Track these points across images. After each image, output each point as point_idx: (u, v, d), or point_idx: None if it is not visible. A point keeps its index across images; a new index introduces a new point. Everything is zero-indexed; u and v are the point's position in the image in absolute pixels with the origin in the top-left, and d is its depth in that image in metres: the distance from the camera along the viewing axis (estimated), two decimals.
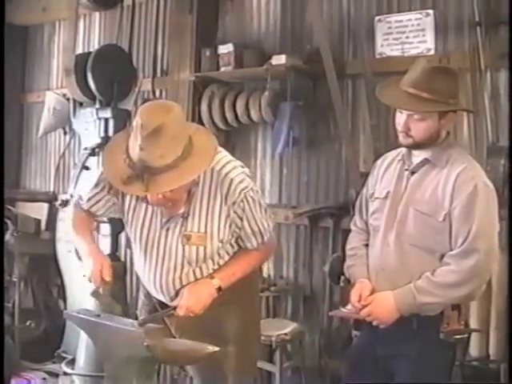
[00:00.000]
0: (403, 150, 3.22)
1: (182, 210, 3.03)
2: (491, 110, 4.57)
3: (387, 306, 3.02)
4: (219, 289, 3.09)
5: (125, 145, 2.87)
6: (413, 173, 3.13)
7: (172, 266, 3.10)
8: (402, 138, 3.10)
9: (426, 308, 3.01)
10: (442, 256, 3.02)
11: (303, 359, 4.99)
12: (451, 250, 3.00)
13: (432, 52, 4.90)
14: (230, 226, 3.07)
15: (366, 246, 3.29)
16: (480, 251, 2.94)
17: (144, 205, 3.12)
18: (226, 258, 3.16)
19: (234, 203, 3.01)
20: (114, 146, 3.03)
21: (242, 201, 3.02)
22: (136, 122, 2.78)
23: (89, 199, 3.27)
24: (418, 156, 3.13)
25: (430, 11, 4.90)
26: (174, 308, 3.04)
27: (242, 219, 3.07)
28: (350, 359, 3.41)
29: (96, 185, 3.23)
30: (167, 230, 3.08)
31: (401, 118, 3.07)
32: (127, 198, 3.16)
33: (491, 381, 4.31)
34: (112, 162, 2.93)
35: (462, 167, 3.02)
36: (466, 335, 3.31)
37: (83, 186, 5.39)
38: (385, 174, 3.25)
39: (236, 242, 3.19)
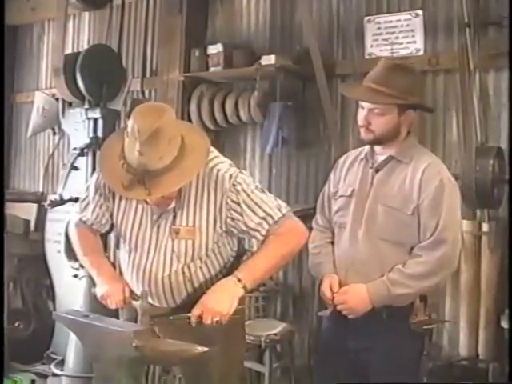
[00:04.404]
0: (365, 149, 3.31)
1: (172, 205, 3.03)
2: (480, 111, 4.59)
3: (361, 297, 3.09)
4: (244, 285, 2.95)
5: (119, 148, 2.87)
6: (377, 170, 3.21)
7: (161, 262, 3.08)
8: (363, 133, 3.20)
9: (399, 299, 3.08)
10: (411, 248, 3.11)
11: (293, 359, 4.99)
12: (419, 242, 3.09)
13: (421, 52, 4.92)
14: (226, 221, 3.01)
15: (330, 243, 3.35)
16: (448, 242, 3.05)
17: (134, 204, 3.11)
18: (213, 258, 3.12)
19: (225, 192, 2.96)
20: (108, 150, 3.03)
21: (234, 184, 2.97)
22: (131, 126, 2.77)
23: (92, 212, 3.24)
24: (382, 154, 3.22)
25: (420, 12, 4.93)
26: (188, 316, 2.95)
27: (239, 204, 2.97)
28: (320, 352, 3.44)
29: (94, 194, 3.21)
30: (158, 227, 3.07)
31: (362, 113, 3.17)
32: (116, 199, 3.15)
33: (480, 380, 4.33)
34: (109, 167, 2.93)
35: (426, 163, 3.13)
36: (432, 326, 3.35)
37: (72, 187, 5.44)
38: (348, 173, 3.33)
39: (228, 243, 3.15)
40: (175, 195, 3.00)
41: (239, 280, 2.94)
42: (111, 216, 3.22)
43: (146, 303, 2.95)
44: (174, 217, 3.04)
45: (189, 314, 2.92)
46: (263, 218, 2.99)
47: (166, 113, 2.82)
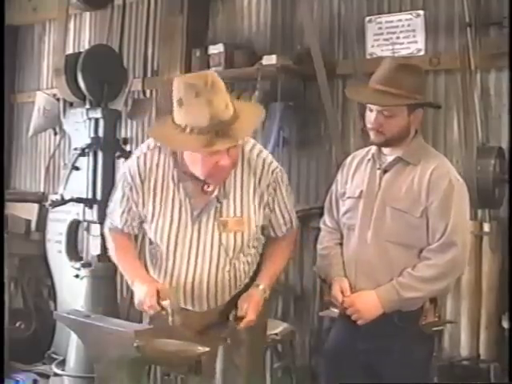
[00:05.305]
0: (372, 149, 3.28)
1: (214, 194, 2.97)
2: (481, 111, 4.59)
3: (371, 303, 3.07)
4: (267, 294, 3.11)
5: (170, 128, 2.80)
6: (385, 171, 3.18)
7: (207, 260, 3.01)
8: (373, 136, 3.16)
9: (409, 303, 3.07)
10: (420, 251, 3.09)
11: (294, 359, 4.98)
12: (428, 244, 3.07)
13: (422, 52, 4.92)
14: (264, 209, 3.06)
15: (339, 244, 3.33)
16: (457, 244, 3.03)
17: (170, 202, 3.00)
18: (252, 252, 3.13)
19: (268, 185, 3.01)
20: (160, 132, 2.96)
21: (274, 181, 3.03)
22: (184, 88, 2.73)
23: (120, 217, 3.15)
24: (390, 155, 3.19)
25: (421, 12, 4.92)
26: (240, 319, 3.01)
27: (274, 201, 3.07)
28: (330, 353, 3.42)
29: (121, 199, 3.11)
30: (199, 222, 2.99)
31: (371, 115, 3.14)
32: (150, 201, 3.03)
33: (481, 380, 4.33)
34: (177, 138, 2.80)
35: (435, 164, 3.11)
36: (441, 327, 3.40)
37: (73, 187, 5.44)
38: (355, 174, 3.30)
39: (262, 233, 3.16)
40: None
41: (262, 288, 3.09)
42: (142, 221, 3.12)
43: (175, 301, 2.91)
44: (219, 208, 2.98)
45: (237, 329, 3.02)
46: (285, 224, 3.17)
47: (212, 74, 2.84)
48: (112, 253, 3.27)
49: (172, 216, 3.01)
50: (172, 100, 2.83)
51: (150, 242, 3.18)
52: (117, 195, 3.14)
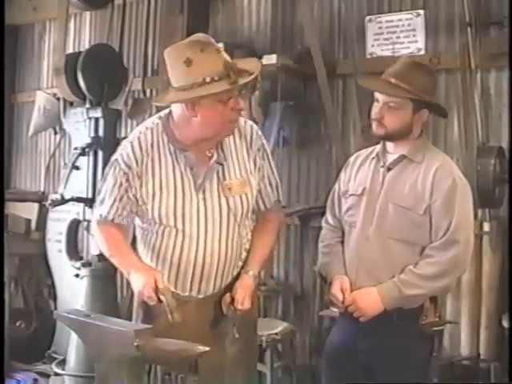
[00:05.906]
0: (377, 147, 3.29)
1: (215, 158, 2.98)
2: (481, 110, 4.59)
3: (372, 300, 3.07)
4: (258, 280, 3.15)
5: (183, 90, 2.85)
6: (389, 169, 3.20)
7: (217, 228, 3.00)
8: (375, 128, 3.18)
9: (410, 301, 3.07)
10: (422, 248, 3.09)
11: (294, 359, 4.99)
12: (431, 242, 3.07)
13: (422, 52, 4.93)
14: (259, 172, 3.10)
15: (340, 242, 3.33)
16: (460, 242, 3.03)
17: (171, 176, 2.98)
18: (248, 229, 3.13)
19: (258, 149, 3.09)
20: (182, 97, 2.93)
21: (262, 146, 3.11)
22: (189, 49, 2.84)
23: (111, 206, 3.07)
24: (394, 153, 3.20)
25: (421, 11, 4.93)
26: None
27: (263, 167, 3.12)
28: (330, 353, 3.41)
29: (112, 189, 3.04)
30: (203, 191, 2.98)
31: (377, 106, 3.17)
32: (149, 179, 2.99)
33: (482, 380, 4.34)
34: (202, 89, 2.83)
35: (439, 163, 3.12)
36: (442, 327, 3.41)
37: (73, 187, 5.44)
38: (359, 172, 3.31)
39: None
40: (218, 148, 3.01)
41: (254, 275, 3.08)
42: (140, 205, 3.04)
43: (172, 298, 2.86)
44: (222, 170, 3.00)
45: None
46: (272, 192, 3.18)
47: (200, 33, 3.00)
48: (102, 246, 3.19)
49: (175, 188, 2.99)
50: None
51: (148, 227, 3.11)
52: (107, 184, 3.08)
